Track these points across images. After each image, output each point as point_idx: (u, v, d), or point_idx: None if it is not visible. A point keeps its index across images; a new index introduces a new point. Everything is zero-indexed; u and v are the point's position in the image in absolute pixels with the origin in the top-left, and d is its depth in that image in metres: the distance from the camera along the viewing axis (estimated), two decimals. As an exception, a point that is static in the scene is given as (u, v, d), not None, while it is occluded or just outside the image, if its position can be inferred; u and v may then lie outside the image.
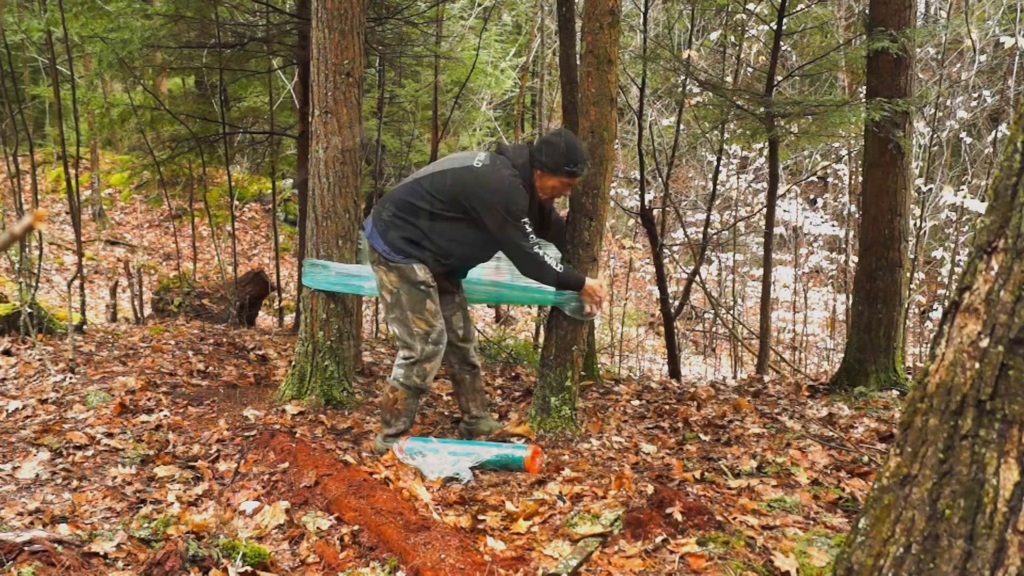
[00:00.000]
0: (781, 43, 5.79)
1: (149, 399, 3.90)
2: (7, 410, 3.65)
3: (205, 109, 8.27)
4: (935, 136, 8.45)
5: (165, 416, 3.67)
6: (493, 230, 3.04)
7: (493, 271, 3.78)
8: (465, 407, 3.58)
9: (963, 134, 9.66)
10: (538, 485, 2.87)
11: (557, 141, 3.07)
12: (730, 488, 2.81)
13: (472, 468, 3.01)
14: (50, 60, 6.47)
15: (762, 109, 5.18)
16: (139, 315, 7.02)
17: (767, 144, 6.08)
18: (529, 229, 3.02)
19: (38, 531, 2.26)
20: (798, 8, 6.02)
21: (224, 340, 5.57)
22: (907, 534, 1.48)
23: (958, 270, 7.93)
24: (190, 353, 5.00)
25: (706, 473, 2.97)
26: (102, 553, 2.22)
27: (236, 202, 13.43)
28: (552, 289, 3.54)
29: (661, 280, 6.11)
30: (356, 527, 2.44)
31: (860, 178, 6.41)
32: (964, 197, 7.93)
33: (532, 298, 3.71)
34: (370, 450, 3.33)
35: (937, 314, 8.90)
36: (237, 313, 6.84)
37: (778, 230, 10.07)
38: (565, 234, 3.46)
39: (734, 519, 2.44)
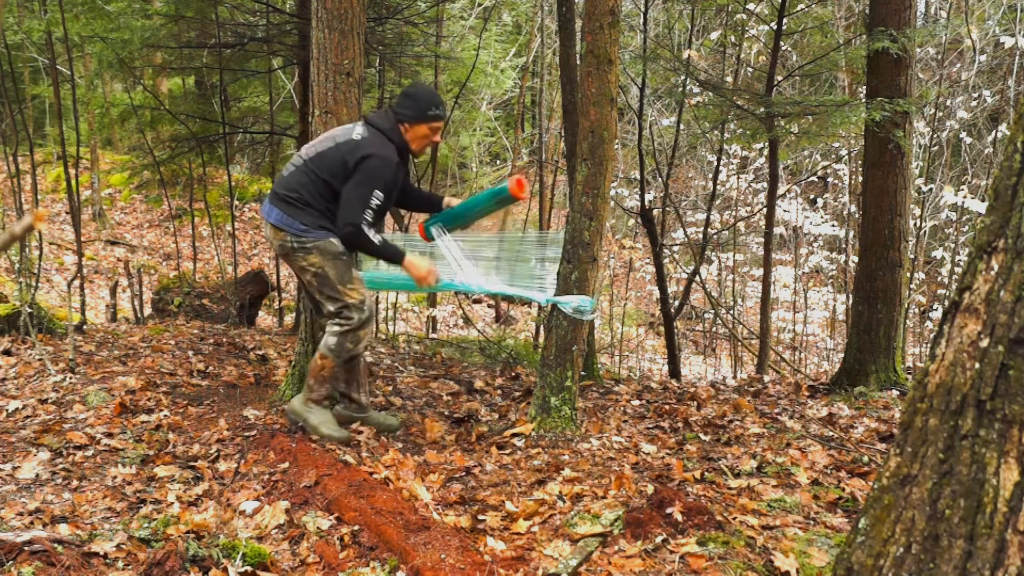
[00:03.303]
0: (781, 43, 5.80)
1: (149, 399, 3.90)
2: (7, 410, 3.65)
3: (205, 109, 8.26)
4: (935, 136, 8.45)
5: (165, 416, 3.67)
6: (348, 185, 3.16)
7: (493, 269, 3.78)
8: (347, 392, 3.57)
9: (963, 134, 9.66)
10: (538, 485, 2.87)
11: (414, 92, 3.31)
12: (730, 488, 2.81)
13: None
14: (50, 60, 6.47)
15: (762, 109, 5.18)
16: (139, 315, 7.02)
17: (767, 144, 6.09)
18: (375, 203, 3.16)
19: (38, 531, 2.26)
20: (798, 8, 6.03)
21: (224, 340, 5.57)
22: (907, 534, 1.48)
23: (958, 270, 7.93)
24: (190, 353, 5.00)
25: (706, 473, 2.97)
26: (102, 553, 2.22)
27: (236, 202, 13.42)
28: (550, 289, 3.55)
29: (661, 280, 6.12)
30: (356, 527, 2.44)
31: (860, 178, 6.41)
32: (964, 197, 7.93)
33: (527, 296, 3.71)
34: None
35: (937, 314, 8.90)
36: (237, 313, 6.83)
37: (778, 230, 10.07)
38: (428, 202, 3.62)
39: (734, 519, 2.44)
